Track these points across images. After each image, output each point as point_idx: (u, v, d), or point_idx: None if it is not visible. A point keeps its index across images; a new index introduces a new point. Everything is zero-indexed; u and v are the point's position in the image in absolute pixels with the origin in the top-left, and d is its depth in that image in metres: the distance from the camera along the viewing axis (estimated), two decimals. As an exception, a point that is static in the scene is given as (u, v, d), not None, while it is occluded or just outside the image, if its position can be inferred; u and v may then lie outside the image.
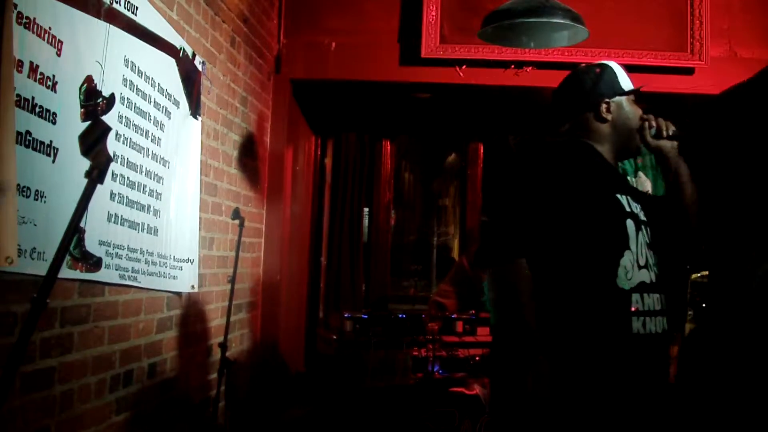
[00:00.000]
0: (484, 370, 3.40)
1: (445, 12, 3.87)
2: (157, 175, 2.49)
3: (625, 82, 2.02)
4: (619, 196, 1.88)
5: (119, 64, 2.17)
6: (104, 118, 2.04)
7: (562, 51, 3.75)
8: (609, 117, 1.98)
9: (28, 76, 1.72)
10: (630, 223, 1.86)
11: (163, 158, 2.53)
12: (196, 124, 2.87)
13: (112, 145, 2.12)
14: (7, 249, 1.58)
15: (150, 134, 2.42)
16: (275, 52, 3.95)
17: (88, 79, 1.99)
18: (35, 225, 1.76)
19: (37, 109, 1.75)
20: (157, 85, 2.46)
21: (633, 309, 1.80)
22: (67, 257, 1.90)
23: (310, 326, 5.01)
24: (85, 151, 1.54)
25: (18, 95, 1.66)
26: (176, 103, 2.65)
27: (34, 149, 1.75)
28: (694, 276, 4.50)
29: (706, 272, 4.49)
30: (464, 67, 3.90)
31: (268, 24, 3.84)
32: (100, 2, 2.03)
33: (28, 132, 1.72)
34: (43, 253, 1.78)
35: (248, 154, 3.57)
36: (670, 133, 1.97)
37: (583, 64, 2.09)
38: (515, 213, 1.85)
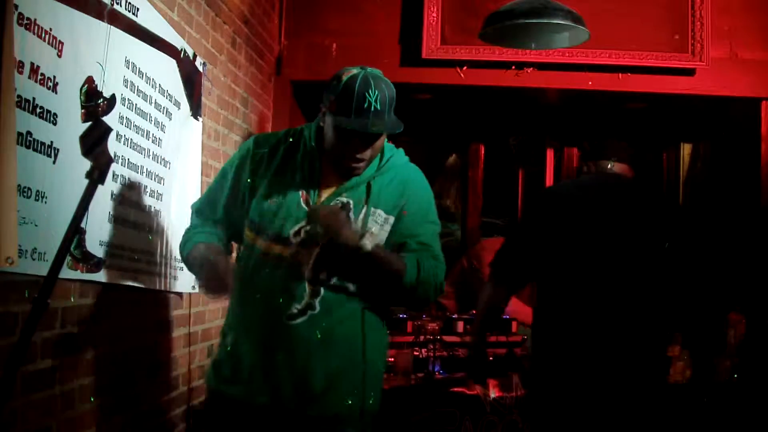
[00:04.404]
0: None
1: (446, 13, 3.87)
2: (157, 175, 2.49)
3: None
4: None
5: (120, 65, 2.18)
6: (105, 118, 2.04)
7: (562, 52, 3.75)
8: None
9: (29, 77, 1.72)
10: None
11: (163, 159, 2.54)
12: (196, 125, 2.87)
13: (112, 145, 2.11)
14: (7, 249, 1.58)
15: (151, 135, 2.42)
16: (276, 54, 3.95)
17: (89, 80, 1.99)
18: (36, 225, 1.76)
19: (38, 110, 1.76)
20: (157, 86, 2.46)
21: None
22: (68, 258, 1.90)
23: (311, 327, 5.00)
24: (86, 152, 1.54)
25: (19, 96, 1.66)
26: (177, 104, 2.65)
27: (35, 150, 1.75)
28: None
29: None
30: (465, 68, 3.90)
31: (269, 25, 3.84)
32: (101, 3, 2.03)
33: (29, 132, 1.72)
34: (43, 254, 1.78)
35: (249, 155, 3.57)
36: None
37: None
38: None
